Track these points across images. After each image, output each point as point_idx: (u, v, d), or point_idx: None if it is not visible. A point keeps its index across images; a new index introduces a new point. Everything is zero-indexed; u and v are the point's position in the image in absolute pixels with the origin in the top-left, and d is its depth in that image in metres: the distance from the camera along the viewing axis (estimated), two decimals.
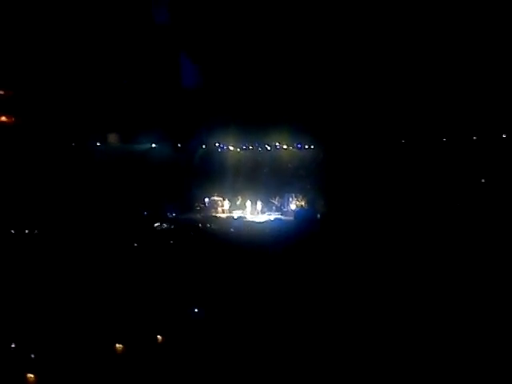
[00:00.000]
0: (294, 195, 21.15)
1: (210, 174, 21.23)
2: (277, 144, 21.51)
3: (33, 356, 8.52)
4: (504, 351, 8.68)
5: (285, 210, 21.02)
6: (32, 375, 8.11)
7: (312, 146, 21.28)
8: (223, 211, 21.04)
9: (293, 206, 21.06)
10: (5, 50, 17.79)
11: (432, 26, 17.77)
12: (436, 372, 8.29)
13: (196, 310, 8.70)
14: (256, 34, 18.78)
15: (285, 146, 21.43)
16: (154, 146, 21.04)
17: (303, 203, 20.91)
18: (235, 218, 20.20)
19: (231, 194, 21.18)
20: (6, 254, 13.62)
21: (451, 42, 17.89)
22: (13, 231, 16.17)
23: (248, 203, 20.85)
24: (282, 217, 20.40)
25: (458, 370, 8.26)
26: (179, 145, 21.40)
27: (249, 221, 19.78)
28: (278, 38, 18.73)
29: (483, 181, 18.55)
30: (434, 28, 17.77)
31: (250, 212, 20.73)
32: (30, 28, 18.06)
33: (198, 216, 20.25)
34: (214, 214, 20.49)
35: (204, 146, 21.74)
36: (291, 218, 19.99)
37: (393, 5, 17.86)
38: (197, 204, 21.09)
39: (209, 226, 18.70)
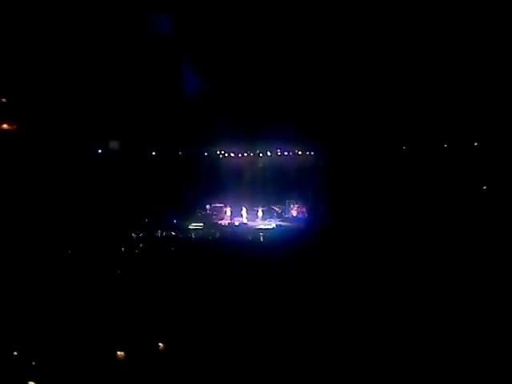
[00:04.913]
0: (295, 202, 21.22)
1: (212, 181, 21.26)
2: (278, 151, 21.57)
3: (34, 363, 8.51)
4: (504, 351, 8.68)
5: (286, 216, 21.06)
6: (33, 383, 8.11)
7: (313, 153, 21.35)
8: (225, 218, 21.05)
9: (294, 213, 21.12)
10: (6, 58, 17.89)
11: (434, 34, 17.84)
12: (436, 372, 8.29)
13: None
14: (256, 42, 18.87)
15: (286, 153, 21.50)
16: (154, 153, 21.11)
17: (304, 209, 20.97)
18: (236, 224, 20.24)
19: (233, 200, 21.18)
20: (6, 260, 13.64)
21: (452, 49, 17.96)
22: (14, 236, 16.17)
23: (244, 210, 20.86)
24: (283, 223, 20.44)
25: (457, 370, 8.27)
26: (180, 152, 21.47)
27: (250, 228, 19.80)
28: (279, 45, 18.81)
29: (484, 188, 18.57)
30: (436, 37, 17.84)
31: (246, 219, 20.74)
32: (32, 36, 18.16)
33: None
34: (215, 221, 20.50)
35: (205, 153, 21.80)
36: (292, 225, 20.04)
37: (395, 11, 17.93)
38: (198, 211, 21.08)
39: None
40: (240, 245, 16.90)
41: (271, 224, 20.30)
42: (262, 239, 17.81)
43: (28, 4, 17.97)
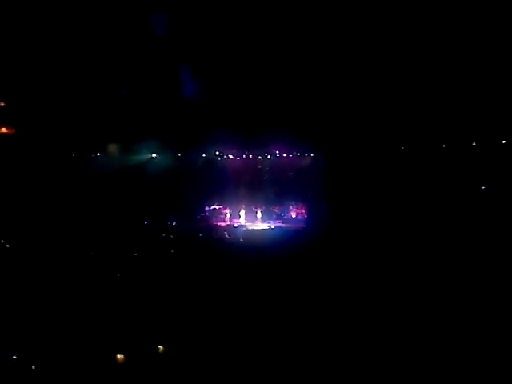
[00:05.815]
0: (294, 203, 21.22)
1: (211, 183, 21.25)
2: (277, 152, 21.56)
3: (34, 367, 8.50)
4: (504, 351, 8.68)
5: (285, 217, 21.05)
6: None
7: (312, 154, 21.36)
8: (224, 220, 21.06)
9: (293, 214, 21.12)
10: (6, 61, 17.89)
11: (432, 34, 17.86)
12: (436, 372, 8.29)
13: None
14: (255, 44, 18.88)
15: (285, 154, 21.49)
16: (154, 155, 21.08)
17: (303, 211, 20.97)
18: (235, 226, 20.24)
19: (232, 202, 21.18)
20: (5, 264, 13.65)
21: (450, 48, 17.97)
22: (12, 240, 16.19)
23: (242, 212, 20.88)
24: (283, 225, 20.43)
25: (458, 370, 8.26)
26: (179, 154, 21.44)
27: (249, 229, 19.80)
28: (277, 47, 18.82)
29: (483, 188, 18.58)
30: (435, 36, 17.85)
31: (244, 220, 20.75)
32: (31, 40, 18.17)
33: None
34: (214, 223, 20.50)
35: (204, 155, 21.78)
36: (291, 226, 20.06)
37: (394, 12, 17.93)
38: (198, 213, 21.07)
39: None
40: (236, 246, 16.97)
41: (270, 226, 20.31)
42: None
43: (24, 8, 17.98)
